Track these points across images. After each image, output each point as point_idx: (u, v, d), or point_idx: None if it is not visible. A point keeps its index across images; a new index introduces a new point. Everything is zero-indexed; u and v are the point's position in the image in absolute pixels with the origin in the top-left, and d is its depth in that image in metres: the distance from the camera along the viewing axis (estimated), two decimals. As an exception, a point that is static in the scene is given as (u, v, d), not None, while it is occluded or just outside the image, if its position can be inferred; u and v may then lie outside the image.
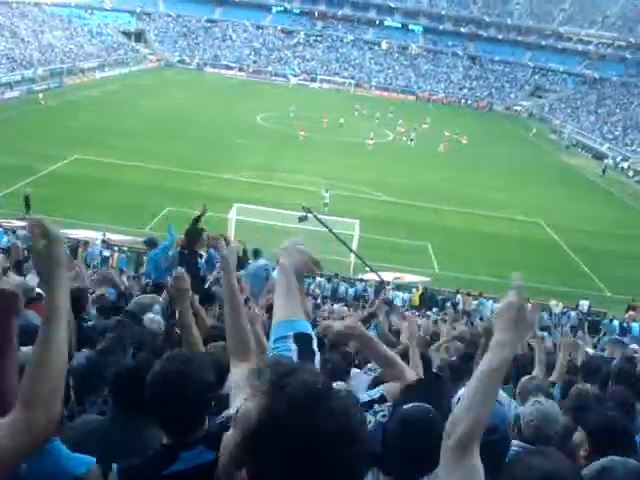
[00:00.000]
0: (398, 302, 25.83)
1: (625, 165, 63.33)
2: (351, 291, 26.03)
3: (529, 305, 1.95)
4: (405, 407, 3.09)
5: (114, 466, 2.70)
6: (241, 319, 3.09)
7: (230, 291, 3.14)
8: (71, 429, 3.40)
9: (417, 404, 3.06)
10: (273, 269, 12.44)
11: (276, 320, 2.26)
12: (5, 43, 71.89)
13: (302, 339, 2.15)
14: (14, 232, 23.85)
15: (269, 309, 8.44)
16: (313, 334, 2.22)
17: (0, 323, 2.42)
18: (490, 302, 25.42)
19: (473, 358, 6.82)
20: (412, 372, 3.64)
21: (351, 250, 24.93)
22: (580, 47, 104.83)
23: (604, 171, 59.33)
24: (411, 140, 58.43)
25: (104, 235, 27.20)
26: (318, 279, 25.56)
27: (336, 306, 20.83)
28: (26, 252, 12.13)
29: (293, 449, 1.43)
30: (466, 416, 1.84)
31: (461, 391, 3.43)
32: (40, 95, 57.21)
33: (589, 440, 3.86)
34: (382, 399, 3.49)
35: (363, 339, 3.56)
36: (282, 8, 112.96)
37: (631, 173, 61.00)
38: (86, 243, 25.14)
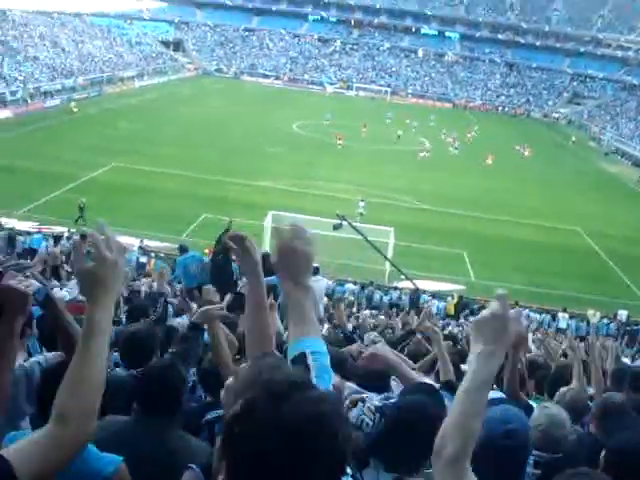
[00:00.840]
0: (433, 311, 25.73)
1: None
2: (386, 299, 25.94)
3: (512, 314, 1.86)
4: (407, 397, 3.13)
5: (194, 466, 2.81)
6: (265, 324, 3.06)
7: (256, 293, 2.99)
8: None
9: (419, 396, 3.09)
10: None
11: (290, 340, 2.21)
12: (46, 53, 73.30)
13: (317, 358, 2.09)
14: (56, 238, 24.30)
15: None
16: (326, 351, 2.18)
17: (4, 320, 2.47)
18: (526, 311, 25.17)
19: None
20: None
21: (386, 258, 24.96)
22: (619, 53, 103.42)
23: (640, 179, 58.49)
24: (455, 149, 58.09)
25: (141, 242, 27.52)
26: (351, 287, 25.54)
27: (367, 312, 20.76)
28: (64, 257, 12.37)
29: (263, 437, 1.42)
30: (456, 433, 1.76)
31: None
32: (72, 104, 57.63)
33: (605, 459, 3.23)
34: None
35: (389, 364, 3.63)
36: (319, 17, 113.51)
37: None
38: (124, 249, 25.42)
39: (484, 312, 1.90)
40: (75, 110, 55.83)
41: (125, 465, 2.72)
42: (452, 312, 25.87)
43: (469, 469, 1.76)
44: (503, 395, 4.91)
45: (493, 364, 1.83)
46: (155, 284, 17.51)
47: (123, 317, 8.05)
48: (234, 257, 10.86)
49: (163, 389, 3.43)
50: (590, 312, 27.10)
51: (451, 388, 4.32)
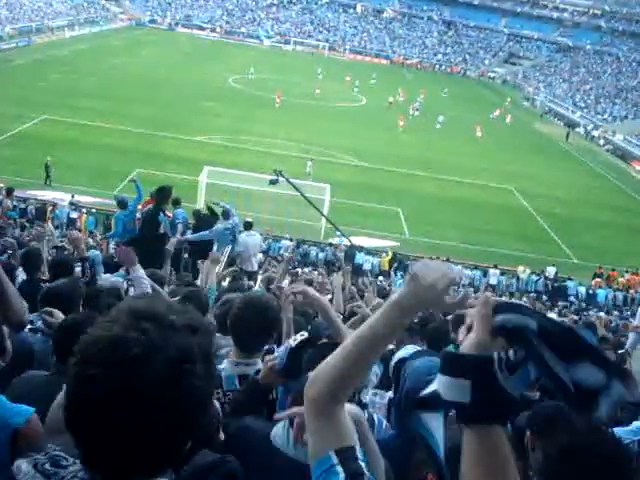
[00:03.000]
0: (368, 267, 26.00)
1: (596, 134, 63.76)
2: (321, 256, 26.04)
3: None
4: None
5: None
6: None
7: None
8: (16, 385, 3.43)
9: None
10: (240, 231, 12.39)
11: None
12: (-29, -1, 70.11)
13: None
14: None
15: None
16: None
17: None
18: (459, 267, 25.64)
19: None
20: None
21: (322, 214, 24.93)
22: (555, 14, 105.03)
23: (567, 136, 59.73)
24: (416, 110, 57.87)
25: (72, 197, 26.91)
26: (286, 243, 25.49)
27: (305, 270, 20.81)
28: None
29: None
30: (328, 377, 1.61)
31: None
32: None
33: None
34: None
35: (320, 305, 3.58)
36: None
37: (602, 142, 61.47)
38: (54, 205, 24.83)
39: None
40: None
41: (37, 417, 2.64)
42: (386, 267, 26.23)
43: (337, 414, 1.62)
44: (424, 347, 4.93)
45: (400, 321, 1.60)
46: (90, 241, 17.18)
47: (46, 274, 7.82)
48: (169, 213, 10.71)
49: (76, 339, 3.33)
50: (520, 268, 27.83)
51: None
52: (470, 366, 1.38)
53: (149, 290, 5.06)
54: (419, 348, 3.47)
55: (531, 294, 25.36)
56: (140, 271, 5.22)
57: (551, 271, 28.09)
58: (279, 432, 2.81)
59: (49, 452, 1.60)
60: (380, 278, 23.08)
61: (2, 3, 74.20)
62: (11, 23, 70.13)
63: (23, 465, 1.54)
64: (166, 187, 10.53)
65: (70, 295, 4.52)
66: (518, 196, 38.59)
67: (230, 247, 11.73)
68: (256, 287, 10.22)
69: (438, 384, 1.43)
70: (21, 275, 6.93)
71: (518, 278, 27.42)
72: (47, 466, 1.55)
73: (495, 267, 27.16)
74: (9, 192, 22.12)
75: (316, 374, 1.64)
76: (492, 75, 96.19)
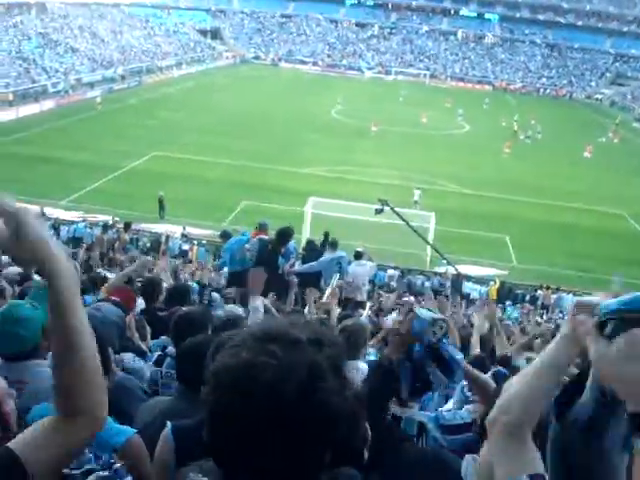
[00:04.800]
0: (475, 295, 25.52)
1: None
2: (427, 284, 25.76)
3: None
4: None
5: (168, 424, 2.81)
6: None
7: None
8: (144, 410, 3.56)
9: None
10: (350, 262, 12.42)
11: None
12: (86, 44, 74.20)
13: None
14: (105, 226, 24.70)
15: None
16: None
17: None
18: (570, 295, 24.82)
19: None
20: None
21: (427, 242, 24.80)
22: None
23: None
24: (527, 137, 57.08)
25: (184, 229, 27.81)
26: (392, 272, 25.39)
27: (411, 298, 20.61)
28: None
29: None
30: (518, 402, 1.65)
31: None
32: (97, 99, 56.47)
33: None
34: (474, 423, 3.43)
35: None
36: (356, 1, 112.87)
37: None
38: (167, 237, 25.72)
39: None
40: (99, 107, 54.39)
41: (138, 437, 2.74)
42: (494, 296, 25.64)
43: (529, 441, 1.69)
44: None
45: (568, 352, 1.65)
46: (198, 272, 17.72)
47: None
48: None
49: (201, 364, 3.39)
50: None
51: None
52: None
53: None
54: None
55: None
56: (258, 301, 5.29)
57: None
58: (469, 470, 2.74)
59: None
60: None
61: (114, 46, 78.14)
62: (123, 65, 73.73)
63: None
64: (288, 229, 10.62)
65: (202, 322, 4.65)
66: (631, 221, 37.09)
67: (338, 277, 11.79)
68: (364, 316, 10.23)
69: None
70: (140, 305, 7.11)
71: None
72: None
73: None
74: (127, 226, 23.02)
75: (509, 400, 1.67)
76: (599, 97, 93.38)
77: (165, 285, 8.38)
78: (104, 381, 1.79)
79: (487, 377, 3.65)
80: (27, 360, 3.41)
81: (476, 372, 3.63)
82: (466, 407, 3.75)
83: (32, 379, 3.29)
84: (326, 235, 14.07)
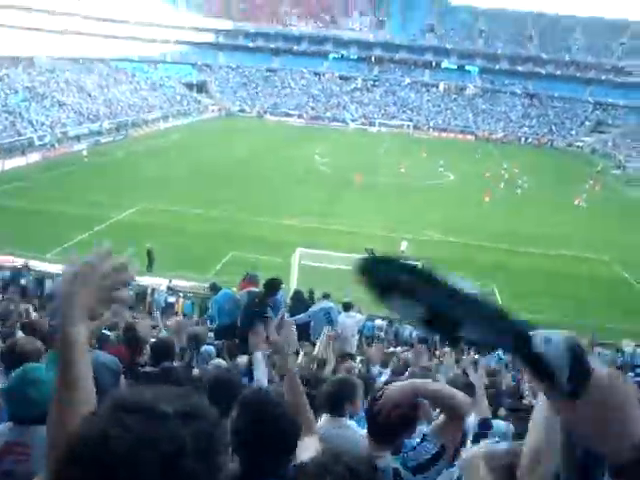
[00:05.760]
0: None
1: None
2: (415, 334, 25.64)
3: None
4: None
5: None
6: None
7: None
8: None
9: None
10: (339, 312, 12.39)
11: None
12: (73, 98, 74.76)
13: None
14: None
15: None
16: None
17: None
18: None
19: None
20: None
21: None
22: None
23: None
24: (518, 187, 57.42)
25: (170, 281, 27.65)
26: (379, 322, 25.30)
27: (398, 349, 20.50)
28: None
29: None
30: (550, 452, 1.60)
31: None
32: (84, 152, 57.39)
33: None
34: (443, 449, 3.36)
35: (427, 395, 3.46)
36: (339, 55, 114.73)
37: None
38: (153, 290, 25.55)
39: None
40: (86, 159, 55.09)
41: None
42: (483, 346, 25.47)
43: None
44: None
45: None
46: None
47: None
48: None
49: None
50: (624, 342, 26.63)
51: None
52: None
53: (264, 380, 4.97)
54: None
55: (637, 369, 24.17)
56: (259, 355, 5.15)
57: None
58: None
59: None
60: (476, 356, 22.49)
61: (101, 100, 78.77)
62: (109, 118, 74.25)
63: None
64: (275, 280, 10.63)
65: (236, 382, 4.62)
66: (616, 266, 37.33)
67: (329, 328, 11.73)
68: (355, 366, 10.17)
69: None
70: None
71: (623, 352, 26.22)
72: None
73: (600, 345, 26.01)
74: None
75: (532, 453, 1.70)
76: (580, 144, 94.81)
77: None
78: None
79: (463, 395, 3.56)
80: (35, 424, 3.29)
81: (450, 390, 3.56)
82: (422, 432, 3.61)
83: (37, 444, 3.20)
84: (311, 292, 14.08)
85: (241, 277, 12.78)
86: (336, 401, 4.45)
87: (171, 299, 25.76)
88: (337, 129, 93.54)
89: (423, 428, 3.86)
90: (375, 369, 11.70)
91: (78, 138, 63.89)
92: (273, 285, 10.40)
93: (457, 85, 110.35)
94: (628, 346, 26.43)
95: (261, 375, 4.87)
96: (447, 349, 11.87)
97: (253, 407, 2.97)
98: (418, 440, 3.40)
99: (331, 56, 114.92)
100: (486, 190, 51.55)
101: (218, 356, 8.80)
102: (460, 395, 3.45)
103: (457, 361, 11.81)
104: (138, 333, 7.20)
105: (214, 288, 14.05)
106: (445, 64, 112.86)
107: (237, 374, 4.90)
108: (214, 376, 4.70)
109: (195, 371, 7.14)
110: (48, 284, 24.36)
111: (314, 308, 12.31)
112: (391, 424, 3.29)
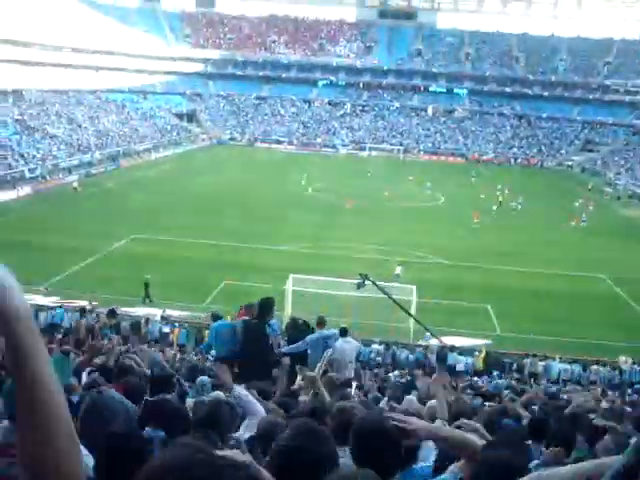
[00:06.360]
0: (461, 367, 25.29)
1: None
2: (412, 358, 25.54)
3: None
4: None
5: None
6: None
7: None
8: None
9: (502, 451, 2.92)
10: (336, 339, 12.30)
11: None
12: (63, 129, 74.86)
13: None
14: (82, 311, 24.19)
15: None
16: None
17: None
18: (556, 362, 24.77)
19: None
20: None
21: (410, 315, 24.70)
22: (628, 98, 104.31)
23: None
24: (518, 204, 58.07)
25: (164, 311, 27.52)
26: (376, 347, 25.20)
27: (396, 372, 20.43)
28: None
29: None
30: None
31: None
32: (74, 184, 57.19)
33: None
34: None
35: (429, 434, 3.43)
36: (328, 81, 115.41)
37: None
38: (147, 320, 25.40)
39: None
40: (77, 191, 55.11)
41: None
42: (481, 366, 25.41)
43: None
44: None
45: None
46: (178, 355, 17.44)
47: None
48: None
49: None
50: (621, 359, 26.54)
51: None
52: None
53: (257, 407, 4.93)
54: None
55: (636, 386, 24.06)
56: (237, 391, 5.12)
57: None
58: None
59: None
60: (475, 378, 22.40)
61: (92, 131, 78.90)
62: (100, 149, 74.31)
63: None
64: (269, 299, 10.62)
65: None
66: (610, 283, 37.36)
67: (329, 354, 11.63)
68: (353, 393, 10.06)
69: None
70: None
71: (620, 370, 26.11)
72: None
73: (597, 363, 25.92)
74: (111, 314, 22.26)
75: None
76: (570, 164, 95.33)
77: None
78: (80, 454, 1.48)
79: (462, 432, 3.54)
80: None
81: (447, 431, 3.55)
82: (450, 469, 3.61)
83: None
84: (306, 323, 13.98)
85: (237, 308, 12.78)
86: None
87: (166, 329, 25.58)
88: (328, 155, 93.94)
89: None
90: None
91: (69, 170, 63.87)
92: (266, 304, 10.40)
93: (446, 108, 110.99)
94: (625, 363, 26.34)
95: (259, 407, 4.81)
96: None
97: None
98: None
99: (320, 83, 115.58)
100: (475, 212, 51.65)
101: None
102: (469, 437, 3.43)
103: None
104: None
105: (216, 318, 14.00)
106: (433, 87, 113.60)
107: (231, 409, 4.79)
108: (206, 410, 4.60)
109: (189, 402, 7.06)
110: (41, 317, 24.20)
111: (312, 336, 12.19)
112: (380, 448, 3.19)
